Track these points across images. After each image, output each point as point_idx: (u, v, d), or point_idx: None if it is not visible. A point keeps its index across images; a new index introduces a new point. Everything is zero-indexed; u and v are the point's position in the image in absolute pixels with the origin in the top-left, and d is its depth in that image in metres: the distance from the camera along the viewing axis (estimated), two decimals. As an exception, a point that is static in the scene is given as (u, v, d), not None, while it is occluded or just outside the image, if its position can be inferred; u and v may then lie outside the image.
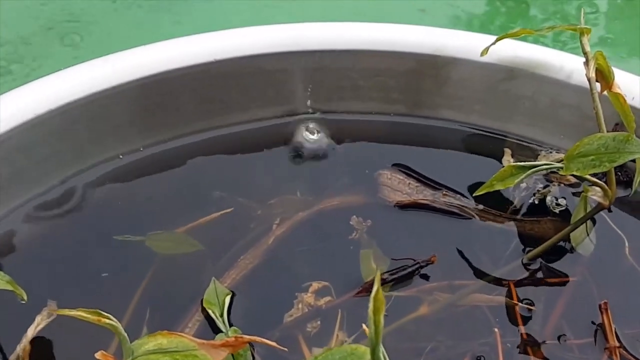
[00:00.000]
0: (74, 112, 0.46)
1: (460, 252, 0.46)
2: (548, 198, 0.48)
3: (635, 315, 0.43)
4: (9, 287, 0.37)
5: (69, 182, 0.48)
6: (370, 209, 0.47)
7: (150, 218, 0.47)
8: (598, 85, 0.44)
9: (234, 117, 0.52)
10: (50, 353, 0.40)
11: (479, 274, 0.45)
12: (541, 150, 0.51)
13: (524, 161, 0.49)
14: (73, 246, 0.45)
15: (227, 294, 0.42)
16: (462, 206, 0.48)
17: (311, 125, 0.51)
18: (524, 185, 0.48)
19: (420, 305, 0.43)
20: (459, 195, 0.48)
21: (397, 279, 0.43)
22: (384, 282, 0.43)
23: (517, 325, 0.42)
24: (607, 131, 0.42)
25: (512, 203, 0.48)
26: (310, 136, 0.50)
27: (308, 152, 0.50)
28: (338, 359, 0.28)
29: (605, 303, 0.42)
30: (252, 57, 0.49)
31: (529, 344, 0.41)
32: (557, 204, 0.47)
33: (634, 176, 0.42)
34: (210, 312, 0.41)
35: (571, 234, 0.45)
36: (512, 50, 0.50)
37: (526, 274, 0.45)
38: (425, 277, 0.44)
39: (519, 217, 0.48)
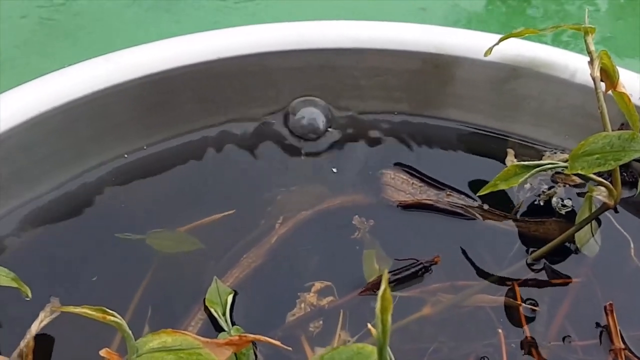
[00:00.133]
0: (75, 111, 0.46)
1: (463, 253, 0.46)
2: (554, 199, 0.47)
3: (641, 317, 0.43)
4: (14, 284, 0.37)
5: (70, 181, 0.47)
6: (373, 209, 0.47)
7: (151, 217, 0.46)
8: (602, 84, 0.44)
9: (236, 115, 0.51)
10: (53, 349, 0.40)
11: (483, 274, 0.45)
12: (545, 151, 0.51)
13: (528, 161, 0.49)
14: (75, 244, 0.45)
15: (230, 293, 0.41)
16: (466, 206, 0.47)
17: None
18: (528, 185, 0.48)
19: (424, 305, 0.43)
20: (462, 196, 0.48)
21: (400, 279, 0.43)
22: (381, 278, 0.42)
23: (521, 326, 0.42)
24: (613, 131, 0.42)
25: (516, 204, 0.48)
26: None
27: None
28: (344, 359, 0.28)
29: (611, 304, 0.41)
30: (255, 56, 0.49)
31: (533, 345, 0.41)
32: (563, 205, 0.47)
33: (639, 176, 0.42)
34: (212, 311, 0.40)
35: (576, 235, 0.44)
36: (516, 50, 0.50)
37: (530, 274, 0.44)
38: (429, 277, 0.44)
39: (523, 218, 0.47)
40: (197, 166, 0.49)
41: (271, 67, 0.50)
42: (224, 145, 0.50)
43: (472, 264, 0.45)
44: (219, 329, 0.40)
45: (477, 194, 0.43)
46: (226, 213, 0.46)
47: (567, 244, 0.45)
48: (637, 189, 0.47)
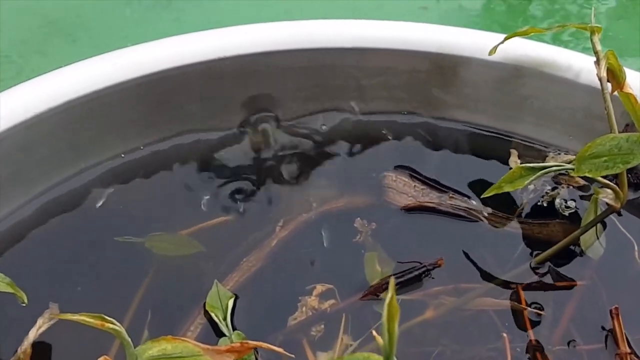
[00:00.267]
0: (75, 111, 0.45)
1: (466, 255, 0.45)
2: (557, 200, 0.47)
3: (646, 320, 0.42)
4: (10, 290, 0.36)
5: (69, 181, 0.47)
6: (375, 212, 0.47)
7: (151, 219, 0.46)
8: (609, 85, 0.43)
9: (235, 116, 0.51)
10: (51, 356, 0.39)
11: (486, 277, 0.44)
12: (549, 152, 0.50)
13: (532, 162, 0.48)
14: (74, 247, 0.44)
15: (230, 297, 0.41)
16: (469, 208, 0.47)
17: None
18: (531, 187, 0.48)
19: (427, 308, 0.42)
20: (465, 198, 0.47)
21: (403, 283, 0.43)
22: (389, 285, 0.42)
23: (525, 329, 0.42)
24: (618, 132, 0.41)
25: (519, 205, 0.48)
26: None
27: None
28: (350, 368, 0.27)
29: (617, 308, 0.41)
30: (255, 55, 0.48)
31: (538, 349, 0.41)
32: (567, 207, 0.46)
33: (645, 178, 0.42)
34: (213, 315, 0.40)
35: (581, 237, 0.44)
36: (519, 49, 0.49)
37: (534, 277, 0.44)
38: (432, 280, 0.44)
39: (526, 219, 0.47)
40: (199, 167, 0.49)
41: (274, 67, 0.49)
42: (224, 146, 0.50)
43: (476, 266, 0.45)
44: (219, 333, 0.40)
45: (482, 196, 0.43)
46: (226, 217, 0.46)
47: (571, 246, 0.45)
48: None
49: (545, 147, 0.51)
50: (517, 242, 0.46)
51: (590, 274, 0.44)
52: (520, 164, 0.49)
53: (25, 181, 0.45)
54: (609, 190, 0.42)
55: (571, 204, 0.47)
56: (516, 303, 0.42)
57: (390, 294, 0.23)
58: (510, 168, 0.49)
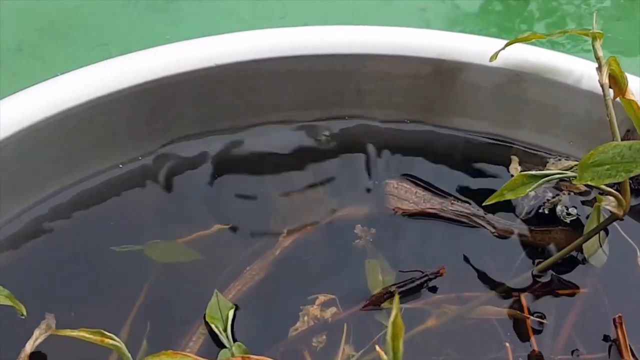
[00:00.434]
0: (72, 119, 0.45)
1: (468, 262, 0.45)
2: (558, 207, 0.46)
3: (649, 328, 0.42)
4: (8, 302, 0.36)
5: (66, 191, 0.46)
6: (377, 219, 0.46)
7: (149, 228, 0.45)
8: (611, 91, 0.43)
9: (235, 124, 0.50)
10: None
11: (489, 285, 0.44)
12: (549, 158, 0.50)
13: (532, 168, 0.48)
14: (71, 257, 0.44)
15: (231, 308, 0.41)
16: (471, 215, 0.47)
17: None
18: (532, 193, 0.47)
19: (428, 317, 0.42)
20: (467, 204, 0.47)
21: (405, 292, 0.42)
22: (391, 295, 0.42)
23: (528, 338, 0.41)
24: (620, 138, 0.41)
25: (521, 212, 0.47)
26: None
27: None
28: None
29: (620, 317, 0.41)
30: (253, 62, 0.48)
31: (541, 359, 0.40)
32: (568, 214, 0.46)
33: (647, 185, 0.41)
34: (213, 326, 0.39)
35: (584, 245, 0.44)
36: (520, 54, 0.49)
37: (537, 285, 0.44)
38: (433, 288, 0.43)
39: (528, 226, 0.46)
40: (198, 176, 0.48)
41: (272, 73, 0.49)
42: (224, 154, 0.49)
43: (478, 274, 0.44)
44: (220, 344, 0.39)
45: (483, 204, 0.43)
46: (227, 225, 0.46)
47: (573, 253, 0.45)
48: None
49: (546, 153, 0.50)
50: (519, 249, 0.46)
51: (592, 282, 0.44)
52: (521, 170, 0.49)
53: (22, 191, 0.45)
54: (611, 198, 0.41)
55: (572, 211, 0.46)
56: (518, 312, 0.42)
57: (394, 311, 0.23)
58: (511, 175, 0.49)
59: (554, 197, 0.47)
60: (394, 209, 0.47)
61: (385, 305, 0.42)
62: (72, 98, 0.45)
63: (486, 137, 0.51)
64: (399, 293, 0.42)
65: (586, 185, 0.47)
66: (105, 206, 0.46)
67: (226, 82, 0.49)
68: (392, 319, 0.23)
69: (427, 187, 0.48)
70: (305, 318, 0.41)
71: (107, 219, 0.46)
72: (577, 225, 0.46)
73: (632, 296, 0.44)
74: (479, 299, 0.43)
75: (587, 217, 0.45)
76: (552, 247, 0.45)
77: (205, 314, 0.40)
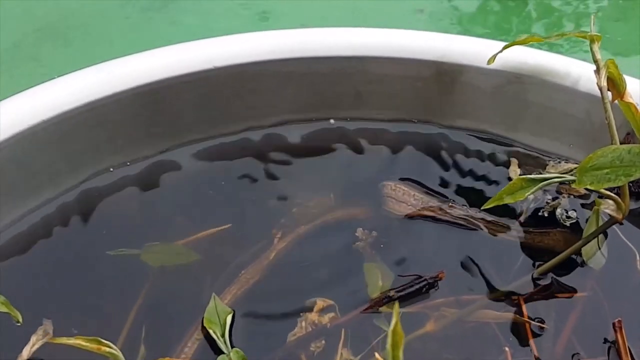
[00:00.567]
0: (68, 122, 0.45)
1: (467, 265, 0.45)
2: (558, 210, 0.46)
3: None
4: (4, 309, 0.36)
5: (63, 195, 0.46)
6: (375, 221, 0.46)
7: (146, 232, 0.45)
8: (609, 94, 0.43)
9: (233, 126, 0.50)
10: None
11: (488, 288, 0.44)
12: (549, 160, 0.50)
13: (532, 171, 0.48)
14: (67, 261, 0.44)
15: (229, 313, 0.40)
16: (469, 217, 0.46)
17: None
18: (532, 196, 0.47)
19: (427, 321, 0.42)
20: (465, 206, 0.47)
21: (404, 296, 0.42)
22: (389, 299, 0.41)
23: (527, 343, 0.41)
24: (619, 141, 0.41)
25: (520, 213, 0.47)
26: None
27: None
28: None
29: (620, 321, 0.40)
30: (252, 64, 0.48)
31: (541, 363, 0.40)
32: (568, 217, 0.46)
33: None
34: (211, 332, 0.39)
35: (583, 248, 0.43)
36: (518, 57, 0.49)
37: (536, 288, 0.43)
38: (432, 291, 0.43)
39: (527, 228, 0.46)
40: (194, 178, 0.48)
41: (271, 76, 0.49)
42: (221, 156, 0.49)
43: (477, 277, 0.44)
44: (217, 350, 0.39)
45: (482, 208, 0.42)
46: (223, 227, 0.45)
47: (572, 256, 0.44)
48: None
49: (546, 155, 0.50)
50: (517, 251, 0.45)
51: (592, 285, 0.44)
52: (521, 173, 0.49)
53: (18, 195, 0.44)
54: (610, 202, 0.41)
55: (572, 214, 0.46)
56: (518, 316, 0.42)
57: (394, 320, 0.23)
58: (510, 178, 0.48)
59: (553, 200, 0.47)
60: (391, 211, 0.47)
61: (384, 309, 0.41)
62: (69, 101, 0.45)
63: (486, 139, 0.51)
64: (398, 297, 0.42)
65: (586, 189, 0.47)
66: (101, 210, 0.46)
67: (225, 85, 0.49)
68: (392, 327, 0.23)
69: (425, 189, 0.48)
70: (304, 323, 0.41)
71: (104, 223, 0.46)
72: (576, 227, 0.46)
73: (631, 299, 0.44)
74: (478, 302, 0.43)
75: (586, 220, 0.45)
76: (551, 248, 0.45)
77: (202, 319, 0.40)
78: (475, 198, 0.48)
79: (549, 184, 0.40)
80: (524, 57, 0.49)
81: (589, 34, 0.43)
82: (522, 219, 0.47)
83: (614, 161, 0.37)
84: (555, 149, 0.50)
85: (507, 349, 0.40)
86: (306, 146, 0.50)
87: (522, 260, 0.45)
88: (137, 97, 0.46)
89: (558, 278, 0.44)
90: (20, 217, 0.45)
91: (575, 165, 0.48)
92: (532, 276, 0.44)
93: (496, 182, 0.49)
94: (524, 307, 0.42)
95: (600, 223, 0.43)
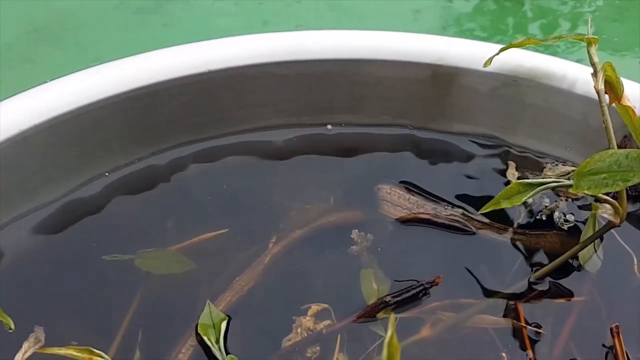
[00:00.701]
0: (60, 127, 0.44)
1: (463, 269, 0.44)
2: (556, 214, 0.46)
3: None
4: (-4, 316, 0.35)
5: (56, 200, 0.46)
6: (370, 225, 0.46)
7: (140, 237, 0.45)
8: (606, 97, 0.42)
9: (228, 129, 0.50)
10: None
11: (484, 292, 0.43)
12: (546, 163, 0.49)
13: (529, 174, 0.48)
14: (60, 267, 0.43)
15: (224, 319, 0.40)
16: (465, 220, 0.46)
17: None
18: (529, 200, 0.47)
19: (423, 326, 0.42)
20: (461, 210, 0.47)
21: (400, 302, 0.42)
22: (386, 304, 0.41)
23: (524, 348, 0.41)
24: (616, 144, 0.41)
25: (516, 216, 0.47)
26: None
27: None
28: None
29: (617, 327, 0.40)
30: (247, 67, 0.48)
31: (538, 369, 0.40)
32: (566, 220, 0.46)
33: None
34: (205, 339, 0.39)
35: (579, 252, 0.43)
36: (515, 59, 0.49)
37: (533, 293, 0.43)
38: (428, 295, 0.43)
39: (524, 230, 0.46)
40: (189, 182, 0.48)
41: (266, 79, 0.48)
42: (215, 161, 0.49)
43: (473, 280, 0.44)
44: (211, 356, 0.39)
45: (479, 212, 0.42)
46: (219, 232, 0.45)
47: (569, 260, 0.44)
48: (641, 203, 0.46)
49: (542, 157, 0.50)
50: (514, 254, 0.45)
51: (589, 288, 0.44)
52: (518, 176, 0.48)
53: (9, 201, 0.44)
54: (608, 206, 0.41)
55: (570, 217, 0.46)
56: (515, 321, 0.42)
57: (390, 331, 0.22)
58: (508, 180, 0.48)
59: (551, 204, 0.47)
60: (387, 215, 0.46)
61: (380, 315, 0.41)
62: (61, 105, 0.44)
63: (483, 142, 0.51)
64: (394, 303, 0.41)
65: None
66: (96, 215, 0.46)
67: (220, 88, 0.48)
68: (387, 339, 0.22)
69: (420, 192, 0.47)
70: (299, 329, 0.40)
71: (98, 228, 0.45)
72: (572, 229, 0.46)
73: (628, 303, 0.44)
74: (475, 306, 0.43)
75: (584, 222, 0.45)
76: (547, 251, 0.45)
77: (197, 325, 0.40)
78: (472, 201, 0.47)
79: (546, 188, 0.40)
80: (520, 59, 0.49)
81: (586, 36, 0.43)
82: (518, 222, 0.46)
83: (612, 166, 0.37)
84: (552, 151, 0.50)
85: (504, 354, 0.40)
86: (302, 150, 0.50)
87: (519, 263, 0.45)
88: (131, 100, 0.46)
89: (555, 282, 0.44)
90: (10, 222, 0.44)
91: (573, 168, 0.48)
92: (529, 280, 0.43)
93: (493, 185, 0.49)
94: (521, 312, 0.42)
95: (598, 227, 0.43)
